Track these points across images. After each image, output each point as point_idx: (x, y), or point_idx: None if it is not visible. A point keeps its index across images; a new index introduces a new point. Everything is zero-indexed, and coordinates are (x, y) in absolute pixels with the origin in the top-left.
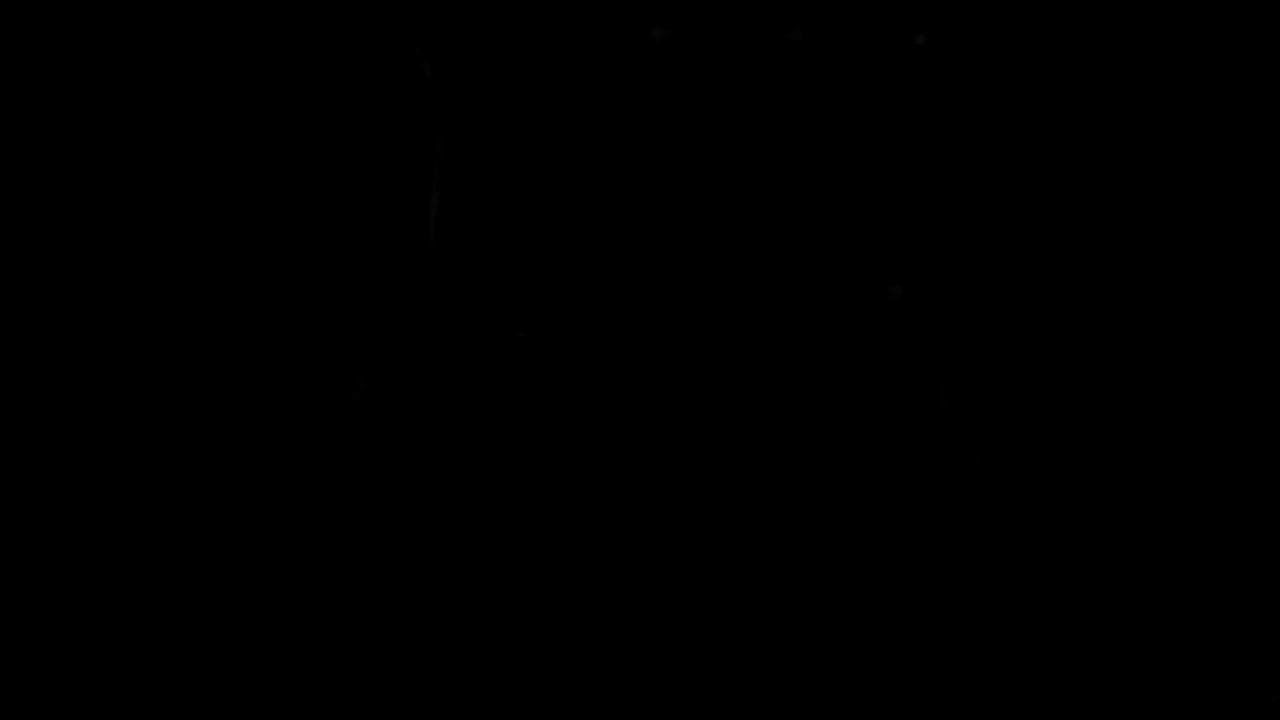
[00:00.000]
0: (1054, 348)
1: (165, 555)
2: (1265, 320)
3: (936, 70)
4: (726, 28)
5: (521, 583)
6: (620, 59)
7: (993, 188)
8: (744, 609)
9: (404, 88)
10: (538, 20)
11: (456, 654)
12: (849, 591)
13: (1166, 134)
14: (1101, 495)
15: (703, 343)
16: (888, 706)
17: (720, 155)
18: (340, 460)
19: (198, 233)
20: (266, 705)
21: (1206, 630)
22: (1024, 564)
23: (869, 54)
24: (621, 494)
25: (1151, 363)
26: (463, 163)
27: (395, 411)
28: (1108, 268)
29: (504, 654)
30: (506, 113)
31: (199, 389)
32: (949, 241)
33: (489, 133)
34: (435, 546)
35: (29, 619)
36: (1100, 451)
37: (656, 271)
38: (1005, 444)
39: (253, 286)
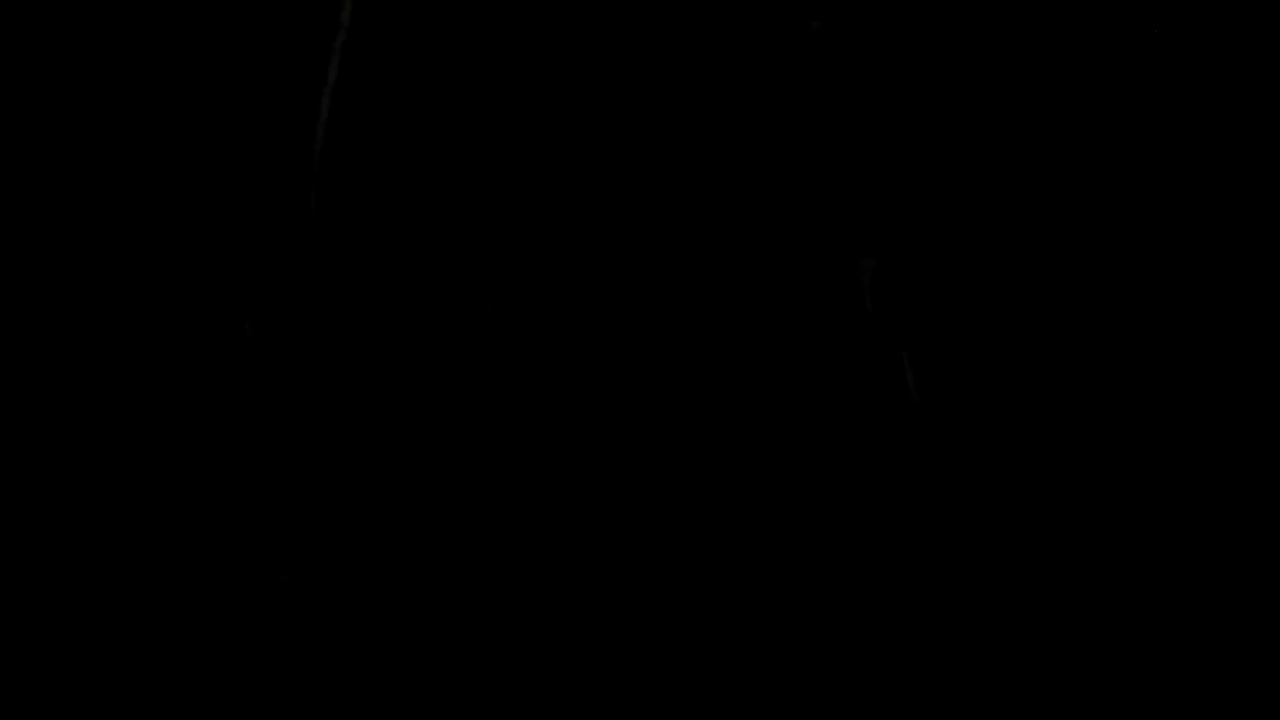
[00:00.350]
0: (1035, 336)
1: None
2: (1265, 312)
3: (930, 15)
4: None
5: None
6: None
7: (978, 152)
8: (697, 605)
9: None
10: None
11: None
12: (814, 589)
13: (1160, 101)
14: (1081, 499)
15: (657, 317)
16: (856, 708)
17: (682, 92)
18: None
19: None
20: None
21: (1191, 642)
22: (992, 571)
23: None
24: (562, 475)
25: (1148, 364)
26: (378, 39)
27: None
28: (1099, 251)
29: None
30: None
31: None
32: (926, 211)
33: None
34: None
35: None
36: (1080, 451)
37: (602, 219)
38: (977, 441)
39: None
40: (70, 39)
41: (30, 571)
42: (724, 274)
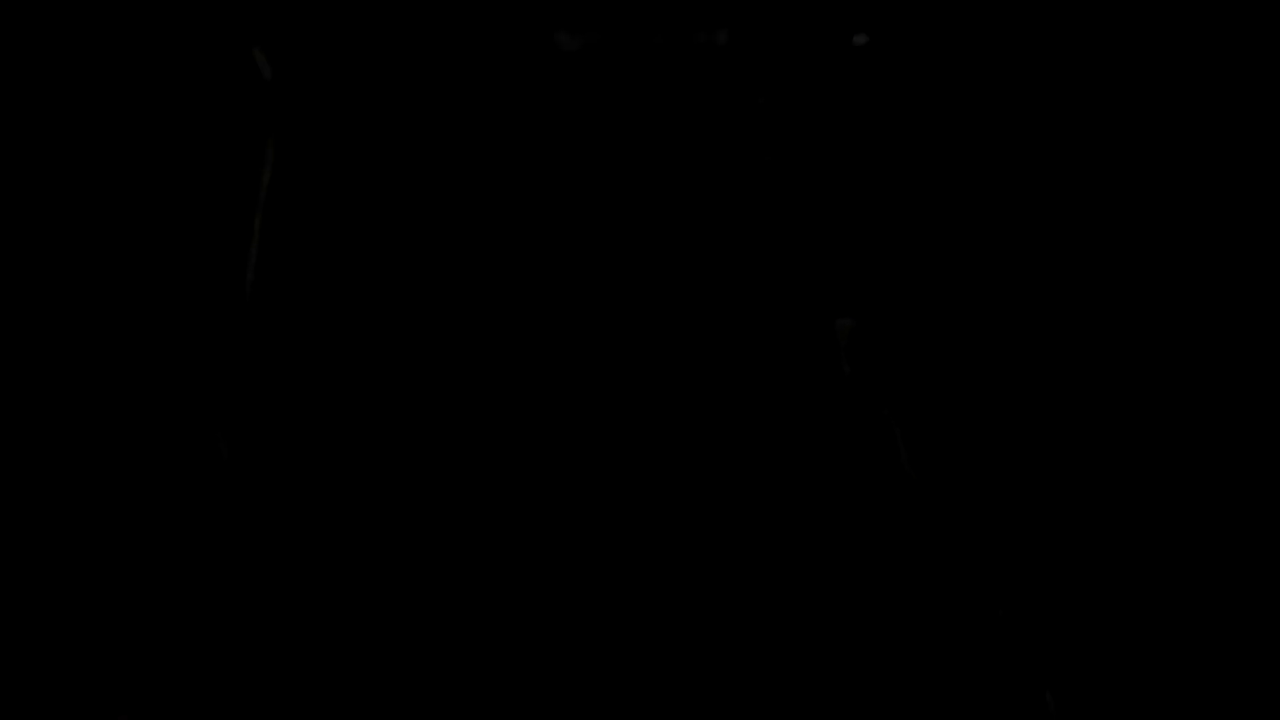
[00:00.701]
0: (1027, 390)
1: None
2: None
3: (879, 72)
4: (642, 31)
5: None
6: (520, 69)
7: (950, 205)
8: (677, 675)
9: (231, 91)
10: (415, 19)
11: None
12: (801, 654)
13: (1139, 145)
14: (1088, 558)
15: (627, 393)
16: None
17: (637, 177)
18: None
19: None
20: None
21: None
22: (998, 633)
23: (803, 56)
24: (541, 561)
25: (1136, 414)
26: (298, 188)
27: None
28: (1086, 298)
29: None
30: (365, 128)
31: None
32: (904, 267)
33: (338, 152)
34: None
35: None
36: (1083, 508)
37: (559, 323)
38: (974, 501)
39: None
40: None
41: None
42: (700, 335)
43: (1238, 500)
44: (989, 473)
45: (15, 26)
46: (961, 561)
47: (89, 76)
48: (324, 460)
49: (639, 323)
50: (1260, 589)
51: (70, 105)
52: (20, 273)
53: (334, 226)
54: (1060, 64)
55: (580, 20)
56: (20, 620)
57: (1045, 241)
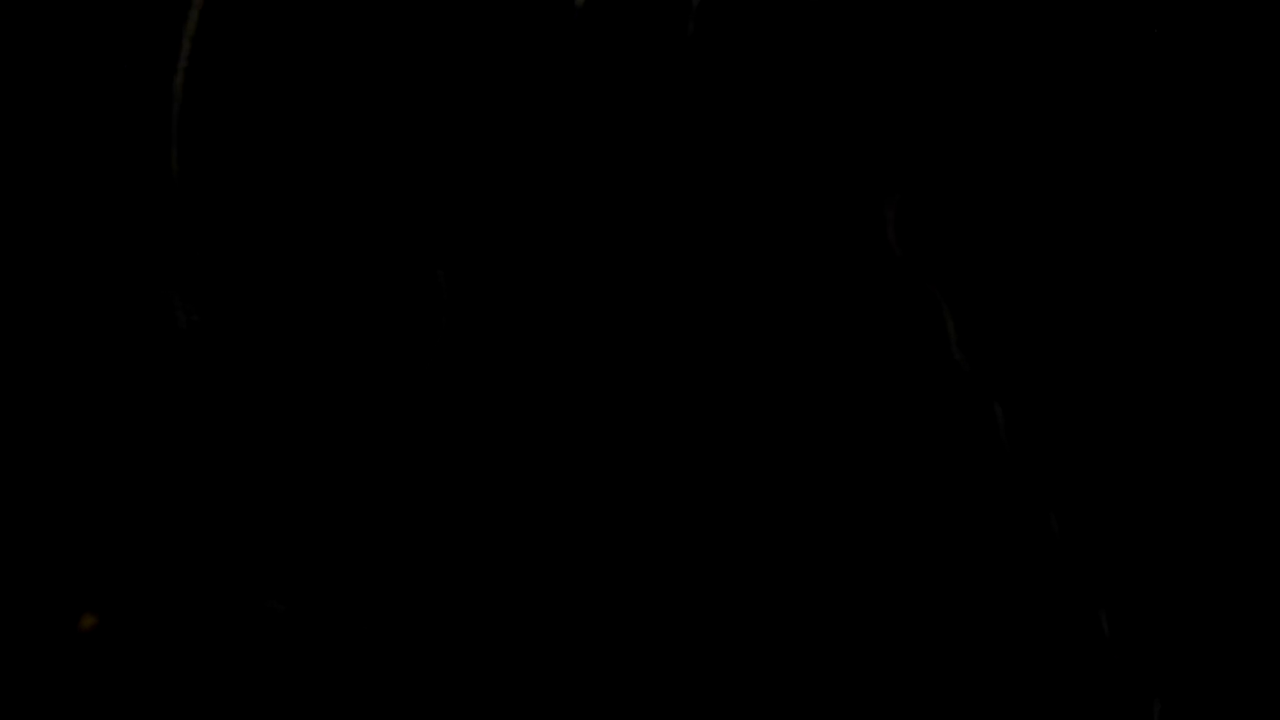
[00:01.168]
0: (1093, 273)
1: None
2: None
3: None
4: None
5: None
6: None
7: (1004, 75)
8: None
9: None
10: None
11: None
12: (856, 599)
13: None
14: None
15: (659, 281)
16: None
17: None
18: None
19: None
20: None
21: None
22: (1070, 562)
23: None
24: (538, 475)
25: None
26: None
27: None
28: (1157, 175)
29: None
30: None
31: None
32: (955, 139)
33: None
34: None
35: None
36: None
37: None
38: (1028, 396)
39: None
40: None
41: None
42: (743, 217)
43: None
44: (1049, 366)
45: None
46: (1017, 476)
47: None
48: (289, 326)
49: (672, 211)
50: None
51: None
52: None
53: (280, 69)
54: None
55: None
56: None
57: (1103, 115)
